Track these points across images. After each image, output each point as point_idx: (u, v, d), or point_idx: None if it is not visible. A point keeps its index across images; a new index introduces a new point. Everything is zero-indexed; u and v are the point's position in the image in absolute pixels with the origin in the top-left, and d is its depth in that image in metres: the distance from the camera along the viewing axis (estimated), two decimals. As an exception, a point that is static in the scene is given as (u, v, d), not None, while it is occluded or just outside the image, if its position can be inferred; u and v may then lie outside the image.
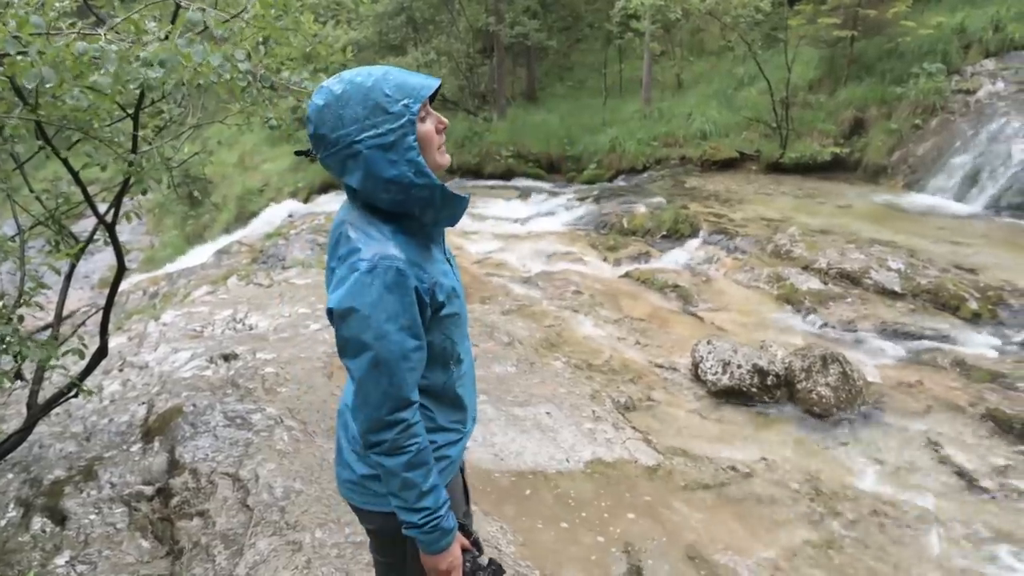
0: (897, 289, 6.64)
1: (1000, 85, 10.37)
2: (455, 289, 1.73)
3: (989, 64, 10.92)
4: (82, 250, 3.92)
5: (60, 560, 3.42)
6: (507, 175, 14.27)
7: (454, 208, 1.68)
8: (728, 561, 3.43)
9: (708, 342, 5.41)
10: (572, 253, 8.93)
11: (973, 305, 6.18)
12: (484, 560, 1.86)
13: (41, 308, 4.05)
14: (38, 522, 3.72)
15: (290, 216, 13.58)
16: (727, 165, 12.35)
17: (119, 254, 4.23)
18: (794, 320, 6.55)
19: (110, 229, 4.03)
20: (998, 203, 8.83)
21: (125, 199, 4.01)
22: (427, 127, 1.63)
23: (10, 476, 4.21)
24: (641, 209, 10.07)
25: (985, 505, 3.92)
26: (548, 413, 4.72)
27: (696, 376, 5.35)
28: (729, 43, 15.61)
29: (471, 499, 2.26)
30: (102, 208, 4.05)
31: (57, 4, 2.96)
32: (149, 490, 3.98)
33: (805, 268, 7.36)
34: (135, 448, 4.45)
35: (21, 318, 3.79)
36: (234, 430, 4.47)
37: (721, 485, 4.09)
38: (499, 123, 15.65)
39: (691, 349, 5.56)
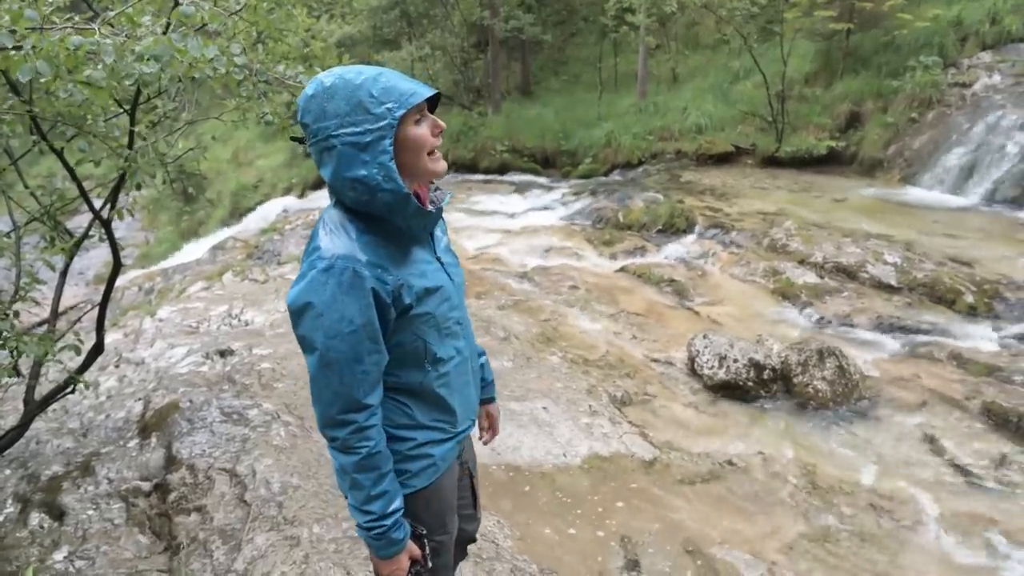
0: (893, 283, 6.65)
1: (997, 78, 10.37)
2: (430, 289, 1.71)
3: (986, 57, 10.92)
4: (78, 246, 3.92)
5: (58, 555, 3.42)
6: (502, 170, 14.25)
7: (424, 218, 1.67)
8: (725, 555, 3.43)
9: (704, 336, 5.42)
10: (568, 248, 8.92)
11: (969, 298, 6.19)
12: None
13: (37, 304, 4.04)
14: (36, 518, 3.72)
15: (285, 212, 13.57)
16: (723, 159, 12.33)
17: (115, 250, 4.22)
18: (790, 314, 6.56)
19: (106, 225, 4.02)
20: (994, 196, 8.84)
21: (120, 195, 4.00)
22: (420, 131, 1.62)
23: (7, 472, 4.21)
24: (637, 203, 10.06)
25: (981, 498, 3.94)
26: (545, 408, 4.73)
27: (692, 370, 5.35)
28: (725, 36, 15.59)
29: (479, 503, 2.26)
30: (97, 204, 4.04)
31: (51, -2, 2.94)
32: (146, 486, 3.97)
33: (801, 262, 7.37)
34: (132, 444, 4.45)
35: (17, 314, 3.78)
36: (231, 426, 4.47)
37: (718, 479, 4.10)
38: (494, 118, 15.63)
39: (687, 343, 5.57)
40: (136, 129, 3.57)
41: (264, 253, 10.18)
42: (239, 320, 6.94)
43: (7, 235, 3.93)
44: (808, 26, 12.02)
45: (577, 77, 17.56)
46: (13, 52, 2.35)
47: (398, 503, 1.72)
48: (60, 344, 3.89)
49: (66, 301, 5.11)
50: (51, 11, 2.58)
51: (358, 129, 1.54)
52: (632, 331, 6.22)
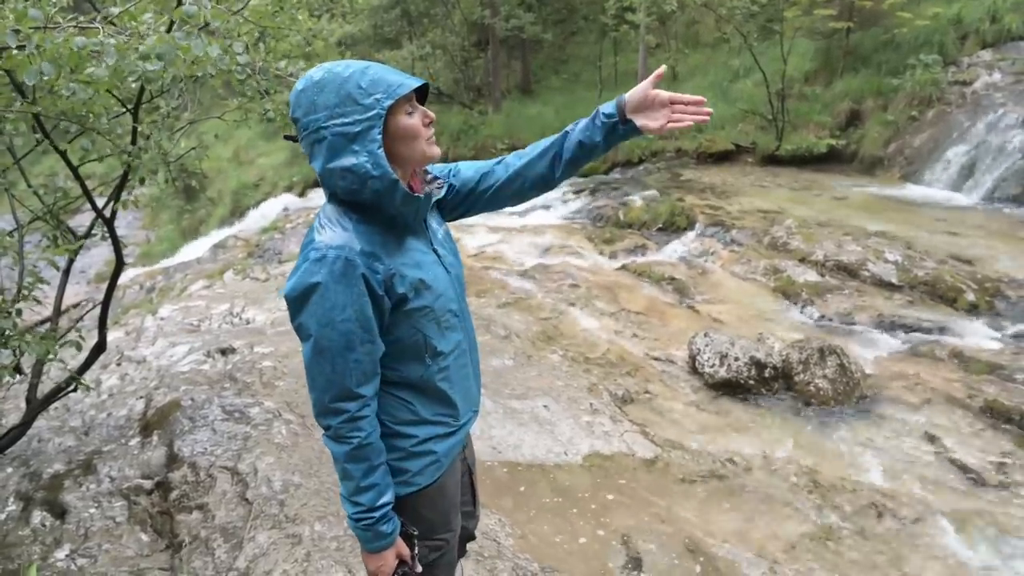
0: (894, 281, 6.65)
1: (997, 76, 10.38)
2: (424, 280, 1.71)
3: (986, 55, 10.93)
4: (80, 244, 3.92)
5: (60, 553, 3.43)
6: (503, 168, 14.23)
7: (413, 204, 1.68)
8: (727, 553, 3.44)
9: (705, 335, 5.42)
10: (568, 246, 8.92)
11: (970, 297, 6.19)
12: None
13: (39, 303, 4.04)
14: (38, 516, 3.72)
15: (285, 210, 13.57)
16: (723, 157, 12.34)
17: (117, 249, 4.23)
18: (791, 312, 6.56)
19: (108, 224, 4.02)
20: (994, 194, 8.85)
21: (123, 193, 4.01)
22: (412, 121, 1.64)
23: (9, 470, 4.21)
24: (637, 202, 10.07)
25: (982, 497, 3.94)
26: (546, 406, 4.73)
27: (693, 369, 5.36)
28: (724, 35, 15.59)
29: (478, 500, 2.26)
30: (99, 202, 4.04)
31: (54, -3, 2.94)
32: (148, 484, 3.98)
33: (802, 260, 7.37)
34: (134, 442, 4.46)
35: (20, 312, 3.79)
36: (232, 424, 4.48)
37: (719, 477, 4.10)
38: (494, 116, 15.63)
39: (688, 342, 5.57)
40: (139, 127, 3.57)
41: (265, 251, 10.19)
42: (240, 318, 6.95)
43: (10, 234, 3.93)
44: (808, 24, 12.03)
45: (577, 76, 17.56)
46: (16, 51, 2.35)
47: (388, 497, 1.72)
48: (62, 343, 3.90)
49: (67, 300, 5.12)
50: (55, 11, 2.58)
51: (347, 120, 1.56)
52: (633, 329, 6.23)
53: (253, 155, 19.00)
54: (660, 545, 3.46)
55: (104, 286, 4.47)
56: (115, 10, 2.78)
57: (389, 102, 1.57)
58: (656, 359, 5.63)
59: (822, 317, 6.34)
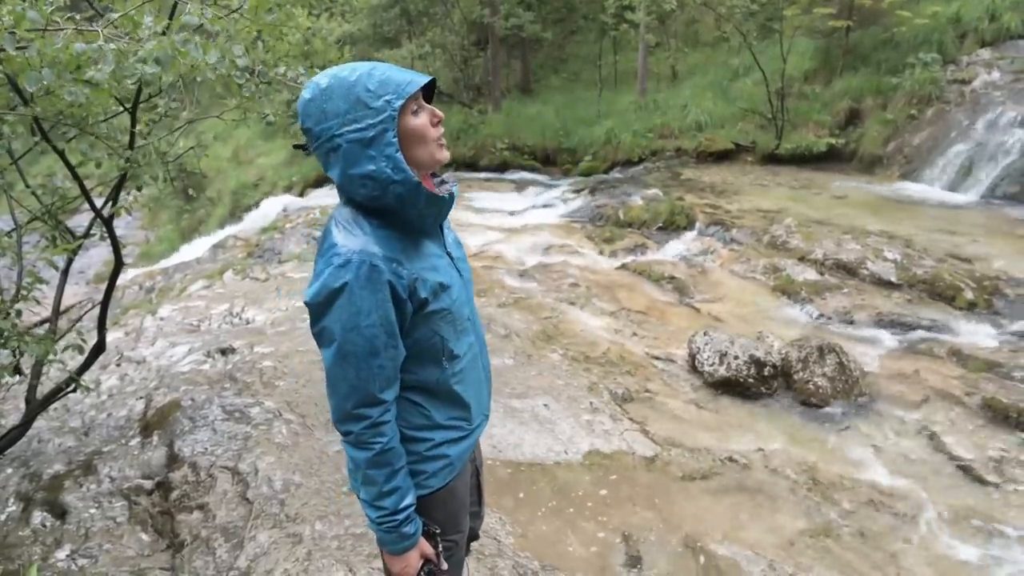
0: (893, 279, 6.66)
1: (996, 75, 10.38)
2: (443, 284, 1.71)
3: (985, 54, 10.93)
4: (79, 245, 3.92)
5: (61, 554, 3.43)
6: (502, 168, 14.26)
7: (437, 206, 1.67)
8: (726, 551, 3.44)
9: (705, 333, 5.43)
10: (568, 245, 8.93)
11: (969, 295, 6.20)
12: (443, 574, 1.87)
13: (38, 303, 4.05)
14: (38, 516, 3.73)
15: (285, 210, 13.55)
16: (723, 156, 12.35)
17: (116, 249, 4.23)
18: (791, 311, 6.56)
19: (107, 224, 4.02)
20: (994, 193, 8.86)
21: (121, 194, 4.01)
22: (420, 121, 1.63)
23: (10, 471, 4.22)
24: (637, 201, 10.07)
25: (981, 494, 3.95)
26: (546, 405, 4.73)
27: (693, 367, 5.36)
28: (724, 34, 15.61)
29: (484, 501, 2.27)
30: (98, 202, 4.04)
31: (51, -1, 2.95)
32: (148, 484, 3.99)
33: (801, 259, 7.38)
34: (134, 442, 4.46)
35: (19, 313, 3.79)
36: (233, 424, 4.48)
37: (718, 475, 4.10)
38: (494, 115, 15.63)
39: (688, 340, 5.57)
40: (137, 129, 3.57)
41: (265, 251, 10.18)
42: (240, 318, 6.95)
43: (8, 234, 3.94)
44: (807, 23, 12.04)
45: (577, 75, 17.56)
46: (15, 53, 2.35)
47: (410, 499, 1.72)
48: (62, 343, 3.90)
49: (66, 300, 5.12)
50: (52, 10, 2.58)
51: (360, 125, 1.55)
52: (633, 328, 6.23)
53: (252, 155, 18.99)
54: (660, 543, 3.47)
55: (103, 286, 4.48)
56: (114, 16, 2.78)
57: (400, 102, 1.56)
58: (656, 358, 5.63)
59: (821, 316, 6.34)
